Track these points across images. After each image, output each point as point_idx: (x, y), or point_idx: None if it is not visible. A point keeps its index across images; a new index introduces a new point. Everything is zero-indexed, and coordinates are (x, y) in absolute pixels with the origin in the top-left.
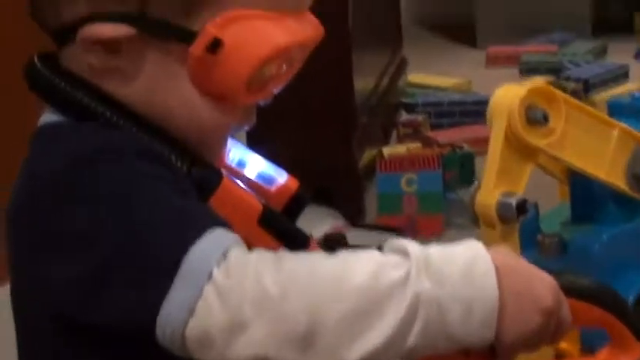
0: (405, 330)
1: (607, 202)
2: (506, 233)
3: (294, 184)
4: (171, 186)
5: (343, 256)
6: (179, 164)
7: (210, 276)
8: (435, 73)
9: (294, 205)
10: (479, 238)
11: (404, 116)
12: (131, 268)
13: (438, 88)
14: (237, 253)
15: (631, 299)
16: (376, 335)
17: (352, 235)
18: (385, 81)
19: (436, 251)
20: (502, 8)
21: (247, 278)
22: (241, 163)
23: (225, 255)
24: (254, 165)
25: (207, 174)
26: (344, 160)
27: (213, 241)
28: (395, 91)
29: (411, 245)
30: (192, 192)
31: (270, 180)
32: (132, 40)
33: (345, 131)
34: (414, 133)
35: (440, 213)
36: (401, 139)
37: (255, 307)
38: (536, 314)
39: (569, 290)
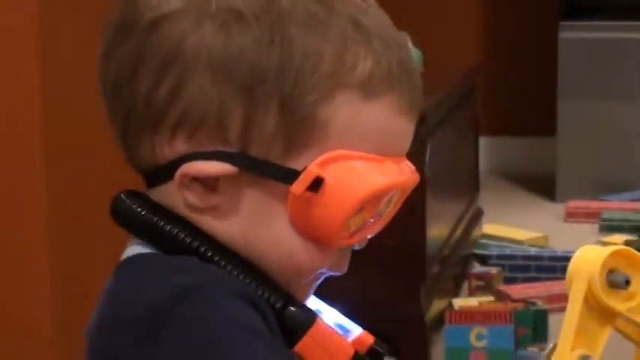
0: None
1: None
2: None
3: (370, 338)
4: (262, 342)
5: None
6: (273, 302)
7: None
8: (510, 225)
9: (373, 357)
10: None
11: (476, 268)
12: None
13: (513, 241)
14: None
15: None
16: None
17: None
18: (459, 231)
19: None
20: (584, 161)
21: None
22: (317, 312)
23: None
24: (330, 315)
25: (301, 313)
26: (411, 309)
27: None
28: (469, 241)
29: None
30: (279, 337)
31: (346, 331)
32: (231, 178)
33: (415, 280)
34: (487, 286)
35: None
36: (472, 292)
37: None
38: None
39: None
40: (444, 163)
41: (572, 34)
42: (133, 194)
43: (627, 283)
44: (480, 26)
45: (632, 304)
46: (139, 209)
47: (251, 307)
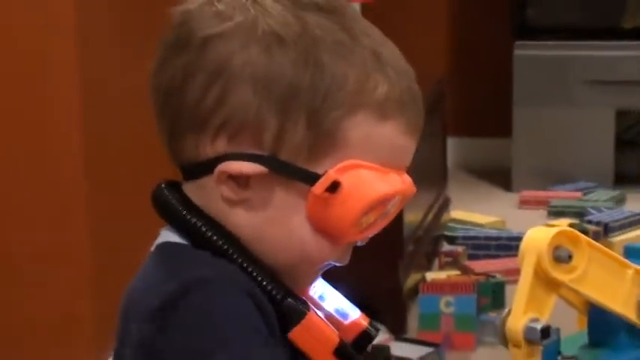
0: None
1: (620, 331)
2: (530, 353)
3: (365, 320)
4: (257, 337)
5: None
6: (275, 294)
7: None
8: (474, 211)
9: (364, 339)
10: (506, 357)
11: (445, 247)
12: None
13: (476, 224)
14: None
15: None
16: None
17: (395, 346)
18: (431, 216)
19: None
20: (534, 158)
21: None
22: (322, 297)
23: None
24: (332, 300)
25: (297, 306)
26: (391, 282)
27: None
28: (439, 225)
29: None
30: (274, 326)
31: (345, 315)
32: (261, 177)
33: (394, 258)
34: (454, 262)
35: (473, 332)
36: (442, 267)
37: None
38: None
39: None
40: (419, 159)
41: (525, 51)
42: (172, 185)
43: (569, 258)
44: (448, 44)
45: (574, 275)
46: (173, 201)
47: (254, 304)
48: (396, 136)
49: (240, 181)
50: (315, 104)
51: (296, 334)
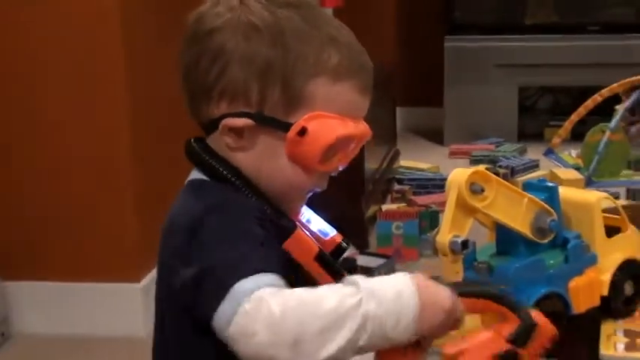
0: (358, 336)
1: (518, 243)
2: (454, 260)
3: (339, 237)
4: (254, 239)
5: (322, 289)
6: (271, 214)
7: (241, 303)
8: (416, 160)
9: (338, 250)
10: (439, 264)
11: (396, 186)
12: (213, 281)
13: (418, 169)
14: (265, 290)
15: (531, 303)
16: (339, 341)
17: (360, 258)
18: (385, 164)
19: (377, 282)
20: (461, 121)
21: (262, 306)
22: (308, 220)
23: (257, 289)
24: (316, 223)
25: (288, 224)
26: (356, 212)
27: (254, 280)
28: (390, 170)
29: (361, 279)
30: (272, 238)
31: (325, 234)
32: (251, 128)
33: (358, 194)
34: (402, 197)
35: (416, 247)
36: (393, 201)
37: (264, 323)
38: (441, 313)
39: (462, 294)
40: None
41: (453, 43)
42: (198, 140)
43: (482, 190)
44: (396, 38)
45: (485, 203)
46: (198, 150)
47: (255, 219)
48: (349, 94)
49: (237, 132)
50: (286, 74)
51: (288, 245)
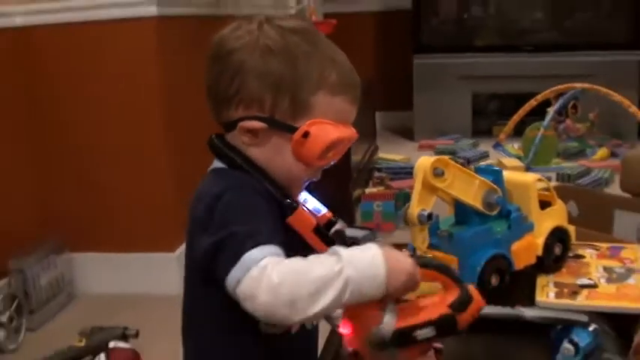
0: (341, 295)
1: (472, 215)
2: (421, 230)
3: (330, 213)
4: (262, 215)
5: (311, 259)
6: (278, 196)
7: (250, 269)
8: (392, 153)
9: (330, 224)
10: (410, 233)
11: (376, 174)
12: (229, 248)
13: (393, 161)
14: (269, 259)
15: (481, 265)
16: (326, 300)
17: (348, 230)
18: (367, 156)
19: (355, 251)
20: (428, 123)
21: (265, 273)
22: (305, 200)
23: (263, 259)
24: (311, 202)
25: (291, 203)
26: (345, 194)
27: (261, 250)
28: (371, 161)
29: (342, 250)
30: (276, 214)
31: (318, 211)
32: (264, 130)
33: (346, 180)
34: (381, 182)
35: (392, 222)
36: (374, 185)
37: (266, 288)
38: (404, 275)
39: (421, 265)
40: (359, 125)
41: (421, 60)
42: (218, 136)
43: (442, 173)
44: (374, 56)
45: (445, 184)
46: (219, 144)
47: (263, 199)
48: (343, 104)
49: (252, 132)
50: (294, 88)
51: (291, 220)
